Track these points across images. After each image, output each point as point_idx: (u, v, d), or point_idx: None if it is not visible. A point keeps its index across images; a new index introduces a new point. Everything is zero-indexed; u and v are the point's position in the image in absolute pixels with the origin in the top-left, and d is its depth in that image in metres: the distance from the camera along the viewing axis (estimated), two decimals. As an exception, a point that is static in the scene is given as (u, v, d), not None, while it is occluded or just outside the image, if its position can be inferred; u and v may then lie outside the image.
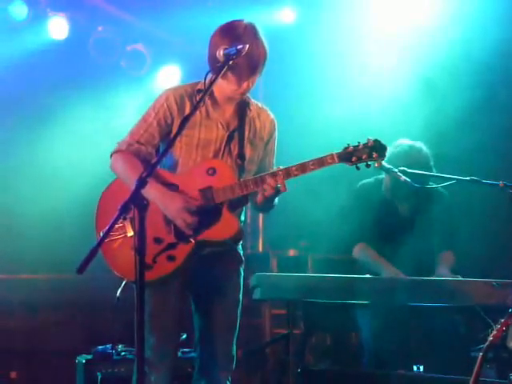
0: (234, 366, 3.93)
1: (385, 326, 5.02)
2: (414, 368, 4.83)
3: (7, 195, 6.81)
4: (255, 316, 7.26)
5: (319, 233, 6.70)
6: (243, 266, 4.01)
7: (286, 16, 7.50)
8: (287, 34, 7.28)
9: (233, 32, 3.70)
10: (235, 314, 3.94)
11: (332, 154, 3.69)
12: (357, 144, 3.71)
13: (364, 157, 3.69)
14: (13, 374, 6.48)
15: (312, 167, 3.69)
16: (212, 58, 3.70)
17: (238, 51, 3.49)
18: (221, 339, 3.88)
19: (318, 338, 6.38)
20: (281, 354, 5.93)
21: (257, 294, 4.75)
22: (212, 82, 3.51)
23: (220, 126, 3.85)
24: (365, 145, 3.70)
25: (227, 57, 3.52)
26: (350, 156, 3.69)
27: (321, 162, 3.68)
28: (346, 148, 3.71)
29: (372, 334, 5.17)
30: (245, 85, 3.75)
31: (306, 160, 3.71)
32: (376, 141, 3.71)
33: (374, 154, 3.69)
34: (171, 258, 3.71)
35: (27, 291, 6.80)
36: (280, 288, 4.72)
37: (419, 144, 5.28)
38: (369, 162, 3.71)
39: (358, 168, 3.71)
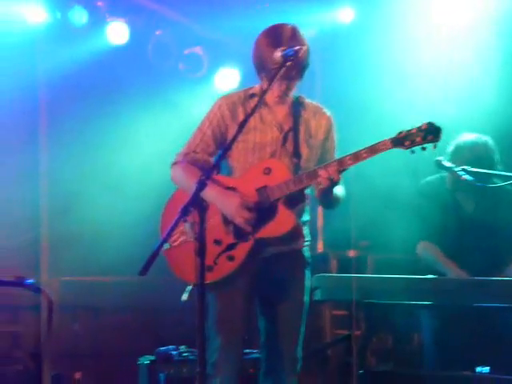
0: (299, 367, 3.95)
1: (448, 326, 4.96)
2: (478, 369, 4.74)
3: (79, 199, 6.91)
4: (316, 317, 7.23)
5: (380, 232, 6.64)
6: (309, 267, 4.02)
7: (344, 15, 7.46)
8: (345, 34, 7.26)
9: (283, 34, 3.79)
10: (299, 315, 3.95)
11: (385, 140, 3.67)
12: (410, 128, 3.68)
13: (418, 140, 3.65)
14: (77, 375, 6.55)
15: (365, 155, 3.68)
16: (260, 61, 3.82)
17: (296, 52, 3.58)
18: (286, 341, 3.90)
19: (380, 339, 6.32)
20: (342, 356, 5.91)
21: (317, 295, 4.73)
22: (271, 83, 3.58)
23: (274, 128, 3.90)
24: (418, 128, 3.66)
25: (285, 58, 3.59)
26: (403, 140, 3.66)
27: (374, 149, 3.67)
28: (399, 133, 3.68)
29: (435, 334, 5.12)
30: (292, 86, 3.85)
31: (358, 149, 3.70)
32: (429, 123, 3.66)
33: (429, 137, 3.64)
34: (231, 259, 3.76)
35: (92, 293, 6.88)
36: (341, 289, 4.69)
37: (484, 138, 5.18)
38: (424, 145, 3.66)
39: (412, 152, 3.66)
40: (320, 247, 8.00)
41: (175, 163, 4.01)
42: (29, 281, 2.95)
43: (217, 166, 3.62)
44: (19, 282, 2.94)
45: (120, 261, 6.76)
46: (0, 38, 6.68)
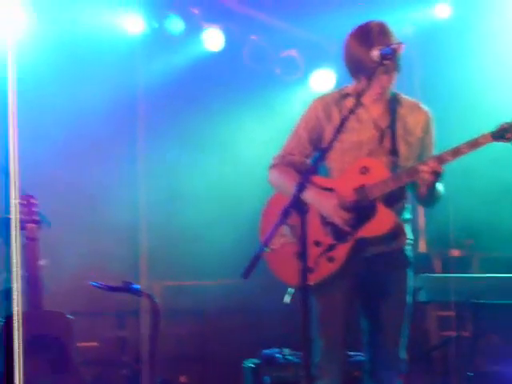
0: (404, 368, 3.89)
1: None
2: None
3: (178, 204, 7.02)
4: (420, 319, 7.10)
5: (484, 229, 6.48)
6: (411, 267, 3.95)
7: (441, 11, 7.32)
8: (443, 29, 7.14)
9: (371, 32, 3.76)
10: (402, 315, 3.89)
11: (485, 134, 3.59)
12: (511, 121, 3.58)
13: None
14: (182, 379, 6.65)
15: (465, 150, 3.61)
16: (354, 62, 3.80)
17: (394, 50, 3.55)
18: (389, 341, 3.85)
19: (488, 339, 6.16)
20: (449, 358, 5.79)
21: (421, 296, 4.66)
22: (370, 82, 3.55)
23: (371, 126, 3.86)
24: None
25: (383, 56, 3.55)
26: (504, 133, 3.57)
27: (474, 144, 3.61)
28: (500, 126, 3.59)
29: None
30: (390, 82, 3.83)
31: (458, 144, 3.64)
32: None
33: None
34: (331, 260, 3.74)
35: (195, 297, 6.97)
36: (446, 289, 4.60)
37: None
38: None
39: None
40: (422, 247, 7.85)
41: (272, 166, 4.04)
42: (135, 286, 3.00)
43: (315, 168, 3.61)
44: (126, 287, 3.00)
45: (221, 264, 6.84)
46: (102, 47, 6.86)
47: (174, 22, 6.99)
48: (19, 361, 4.25)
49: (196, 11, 7.04)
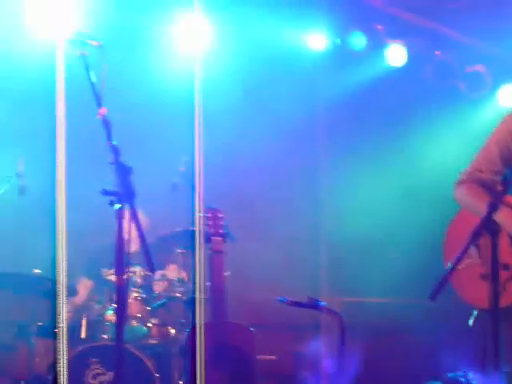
0: None
1: None
2: None
3: (356, 222, 7.03)
4: None
5: None
6: None
7: None
8: None
9: None
10: None
11: None
12: None
13: None
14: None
15: None
16: None
17: None
18: None
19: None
20: None
21: None
22: None
23: None
24: None
25: None
26: None
27: None
28: None
29: None
30: None
31: None
32: None
33: None
34: (520, 285, 3.57)
35: (372, 315, 6.90)
36: None
37: None
38: None
39: None
40: None
41: (460, 182, 3.90)
42: (321, 303, 3.02)
43: (507, 187, 3.46)
44: (313, 304, 3.02)
45: (399, 282, 6.76)
46: (286, 64, 7.02)
47: (357, 38, 7.02)
48: (201, 370, 4.39)
49: (380, 27, 7.03)
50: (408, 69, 7.24)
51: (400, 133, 7.22)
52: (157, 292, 5.60)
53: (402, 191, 7.14)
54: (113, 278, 5.92)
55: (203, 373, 4.44)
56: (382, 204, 7.12)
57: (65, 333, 4.47)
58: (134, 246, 5.72)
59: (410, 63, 7.20)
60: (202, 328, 4.65)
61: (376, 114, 7.34)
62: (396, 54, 7.13)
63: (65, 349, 4.10)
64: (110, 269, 6.03)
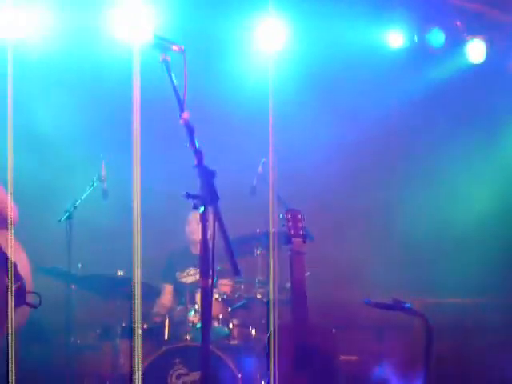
0: None
1: None
2: None
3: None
4: None
5: None
6: None
7: None
8: None
9: None
10: None
11: None
12: None
13: None
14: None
15: None
16: None
17: None
18: None
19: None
20: None
21: None
22: None
23: None
24: None
25: None
26: None
27: None
28: None
29: None
30: None
31: None
32: None
33: None
34: None
35: (454, 315, 6.80)
36: None
37: None
38: None
39: None
40: None
41: None
42: (407, 305, 2.99)
43: None
44: (398, 306, 2.99)
45: (482, 281, 6.66)
46: (363, 62, 7.00)
47: (436, 34, 6.93)
48: (276, 370, 4.39)
49: (459, 23, 6.92)
50: (488, 65, 7.11)
51: (482, 128, 7.10)
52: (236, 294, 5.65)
53: (488, 190, 7.03)
54: (188, 279, 6.02)
55: (276, 373, 4.46)
56: (466, 202, 7.03)
57: (139, 332, 4.55)
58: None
59: (490, 59, 7.06)
60: (277, 329, 4.67)
61: (455, 111, 7.22)
62: (476, 50, 7.01)
63: (139, 347, 4.17)
64: (182, 272, 6.12)
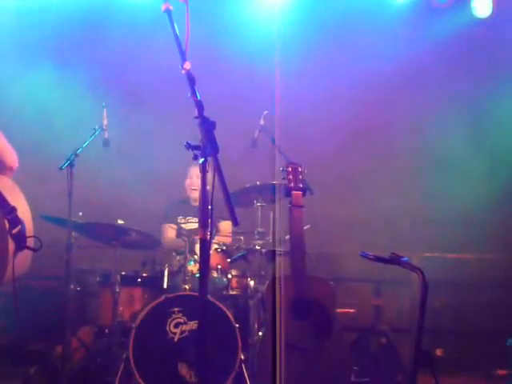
0: None
1: None
2: None
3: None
4: None
5: None
6: None
7: None
8: None
9: None
10: None
11: None
12: None
13: None
14: (438, 352, 6.56)
15: None
16: None
17: None
18: None
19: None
20: None
21: None
22: None
23: None
24: None
25: None
26: None
27: None
28: None
29: None
30: None
31: None
32: None
33: None
34: None
35: (454, 270, 6.84)
36: None
37: None
38: None
39: None
40: None
41: None
42: (404, 259, 3.01)
43: None
44: (396, 260, 3.02)
45: (481, 238, 6.69)
46: (369, 15, 6.97)
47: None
48: (279, 319, 4.45)
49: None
50: (494, 20, 7.04)
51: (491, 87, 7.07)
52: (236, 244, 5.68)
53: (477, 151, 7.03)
54: (188, 226, 6.06)
55: (282, 321, 4.51)
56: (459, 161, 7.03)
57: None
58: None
59: (496, 14, 7.00)
60: (280, 280, 4.72)
61: (461, 68, 7.18)
62: (482, 5, 6.95)
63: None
64: (183, 217, 6.16)
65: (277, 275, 4.70)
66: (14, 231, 3.31)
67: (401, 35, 7.09)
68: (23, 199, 3.54)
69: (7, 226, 3.30)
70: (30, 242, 3.38)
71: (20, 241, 3.33)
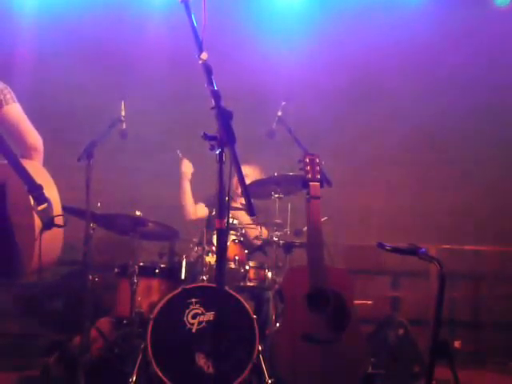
0: None
1: None
2: None
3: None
4: None
5: None
6: None
7: None
8: None
9: None
10: None
11: None
12: None
13: None
14: (457, 344, 6.55)
15: None
16: None
17: None
18: None
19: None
20: None
21: None
22: None
23: None
24: None
25: None
26: None
27: None
28: None
29: None
30: None
31: None
32: None
33: None
34: None
35: (470, 262, 6.82)
36: None
37: None
38: None
39: None
40: None
41: None
42: (422, 250, 3.00)
43: None
44: (413, 250, 3.00)
45: (499, 230, 6.67)
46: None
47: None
48: (295, 310, 4.43)
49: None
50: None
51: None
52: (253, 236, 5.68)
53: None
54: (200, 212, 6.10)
55: (297, 315, 4.51)
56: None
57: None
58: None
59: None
60: (298, 271, 4.72)
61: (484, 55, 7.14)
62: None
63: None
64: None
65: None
66: (40, 208, 3.34)
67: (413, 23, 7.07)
68: (52, 183, 3.59)
69: (32, 202, 3.34)
70: (59, 221, 3.42)
71: (47, 219, 3.36)
